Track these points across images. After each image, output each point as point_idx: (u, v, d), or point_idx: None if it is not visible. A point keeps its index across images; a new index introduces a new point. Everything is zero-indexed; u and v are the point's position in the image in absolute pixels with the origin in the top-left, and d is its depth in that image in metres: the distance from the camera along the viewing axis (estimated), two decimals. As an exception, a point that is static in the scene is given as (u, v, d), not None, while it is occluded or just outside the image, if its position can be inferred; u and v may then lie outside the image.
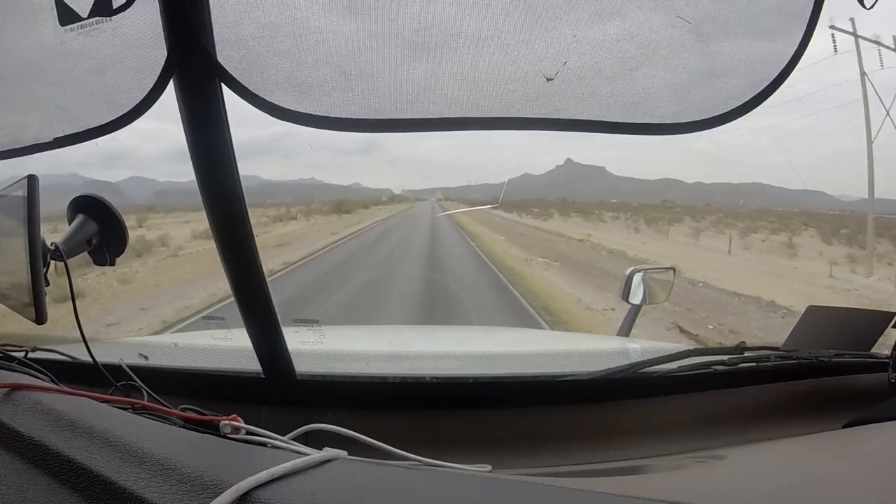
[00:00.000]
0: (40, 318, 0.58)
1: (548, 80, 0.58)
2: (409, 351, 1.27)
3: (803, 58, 0.58)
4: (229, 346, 0.98)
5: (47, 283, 0.60)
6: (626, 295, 1.44)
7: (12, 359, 0.68)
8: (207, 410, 0.61)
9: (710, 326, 6.05)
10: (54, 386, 0.59)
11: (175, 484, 0.41)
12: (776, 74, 0.58)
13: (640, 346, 1.39)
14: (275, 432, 0.58)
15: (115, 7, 0.59)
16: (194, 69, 0.59)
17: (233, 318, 0.84)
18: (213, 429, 0.57)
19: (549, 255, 11.40)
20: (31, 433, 0.48)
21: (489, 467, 0.67)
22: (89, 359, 0.70)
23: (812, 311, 1.02)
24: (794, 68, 0.58)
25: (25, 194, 0.57)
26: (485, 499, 0.45)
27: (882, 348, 0.90)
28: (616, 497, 0.45)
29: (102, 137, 0.65)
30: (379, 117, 0.60)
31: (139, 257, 10.28)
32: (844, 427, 0.78)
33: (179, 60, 0.58)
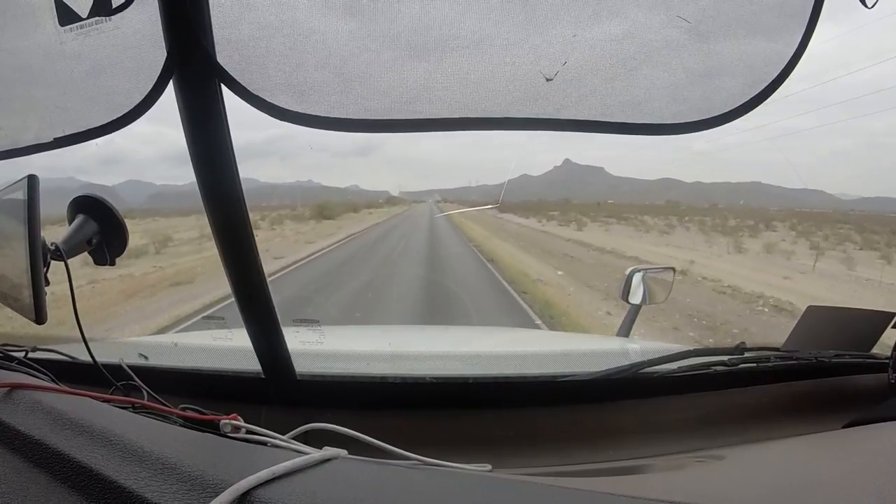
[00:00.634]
0: (40, 319, 0.58)
1: (547, 80, 0.58)
2: (409, 351, 1.27)
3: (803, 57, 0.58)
4: (229, 346, 0.99)
5: (47, 283, 0.60)
6: (625, 295, 1.44)
7: (12, 359, 0.68)
8: (207, 410, 0.61)
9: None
10: (54, 385, 0.60)
11: (175, 483, 0.41)
12: (776, 74, 0.58)
13: (640, 347, 1.39)
14: (275, 432, 0.58)
15: (114, 7, 0.59)
16: (194, 69, 0.59)
17: (233, 318, 0.84)
18: (213, 428, 0.57)
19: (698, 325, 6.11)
20: (32, 432, 0.48)
21: (489, 467, 0.67)
22: (89, 359, 0.70)
23: (812, 311, 1.02)
24: (794, 68, 0.58)
25: (26, 194, 0.57)
26: (485, 499, 0.45)
27: (882, 348, 0.90)
28: (616, 497, 0.45)
29: (101, 140, 0.66)
30: (378, 118, 0.60)
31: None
32: (844, 427, 0.78)
33: (179, 60, 0.58)
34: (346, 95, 0.60)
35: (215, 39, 0.58)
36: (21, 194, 0.58)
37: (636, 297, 1.44)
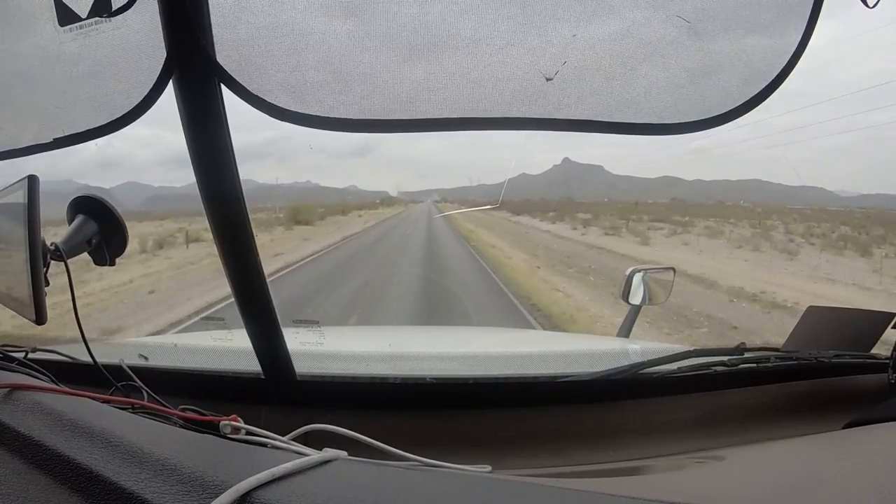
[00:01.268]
0: (40, 319, 0.58)
1: (547, 79, 0.58)
2: (409, 352, 1.27)
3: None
4: (229, 347, 0.99)
5: (47, 284, 0.60)
6: (625, 295, 1.44)
7: (12, 359, 0.68)
8: (207, 411, 0.61)
9: None
10: (54, 386, 0.59)
11: (175, 484, 0.41)
12: (776, 73, 0.58)
13: (640, 347, 1.39)
14: (275, 433, 0.58)
15: (114, 7, 0.59)
16: (194, 69, 0.59)
17: (233, 318, 0.84)
18: (213, 429, 0.57)
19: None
20: (32, 433, 0.48)
21: (489, 468, 0.67)
22: (89, 359, 0.70)
23: (812, 311, 1.02)
24: (794, 66, 0.58)
25: (26, 195, 0.57)
26: (484, 499, 0.45)
27: (882, 348, 0.90)
28: (616, 497, 0.45)
29: (99, 142, 0.65)
30: (378, 118, 0.60)
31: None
32: (844, 427, 0.78)
33: (179, 60, 0.58)
34: (345, 95, 0.60)
35: (215, 39, 0.58)
36: (21, 195, 0.58)
37: (636, 298, 1.44)
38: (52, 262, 0.62)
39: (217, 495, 0.39)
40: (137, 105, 0.61)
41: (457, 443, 0.77)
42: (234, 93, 0.59)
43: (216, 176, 0.64)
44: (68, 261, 0.64)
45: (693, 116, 0.60)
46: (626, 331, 1.48)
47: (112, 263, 0.70)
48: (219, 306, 5.90)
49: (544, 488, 0.48)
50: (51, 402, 0.53)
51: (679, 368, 0.84)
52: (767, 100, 0.59)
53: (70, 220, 0.68)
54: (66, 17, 0.60)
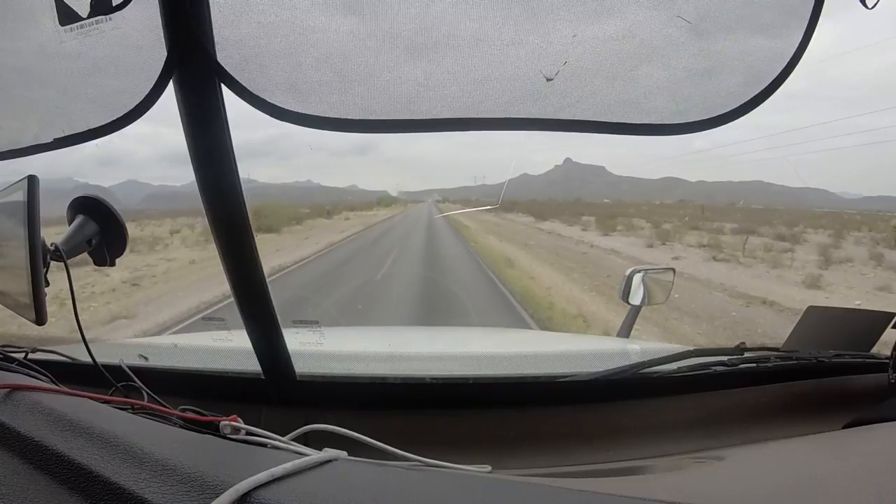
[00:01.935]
0: (40, 319, 0.58)
1: (548, 79, 0.58)
2: (409, 352, 1.27)
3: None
4: (229, 347, 0.98)
5: (47, 284, 0.60)
6: (625, 295, 1.44)
7: (12, 360, 0.68)
8: (207, 411, 0.61)
9: None
10: (54, 387, 0.59)
11: (175, 484, 0.41)
12: (777, 73, 0.58)
13: (640, 347, 1.38)
14: (275, 433, 0.58)
15: (114, 6, 0.59)
16: (194, 69, 0.59)
17: (233, 318, 0.84)
18: (212, 429, 0.57)
19: None
20: (31, 434, 0.48)
21: (489, 468, 0.67)
22: (89, 360, 0.70)
23: (812, 311, 1.02)
24: (794, 67, 0.58)
25: (25, 195, 0.57)
26: (484, 499, 0.45)
27: (882, 348, 0.90)
28: (616, 497, 0.45)
29: (100, 141, 0.65)
30: (378, 118, 0.60)
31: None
32: (844, 427, 0.78)
33: (180, 60, 0.58)
34: (345, 95, 0.60)
35: (215, 39, 0.58)
36: (21, 195, 0.58)
37: (636, 298, 1.44)
38: (52, 262, 0.62)
39: (217, 495, 0.39)
40: (138, 105, 0.61)
41: (457, 443, 0.77)
42: (235, 92, 0.59)
43: (217, 175, 0.63)
44: (68, 261, 0.64)
45: (694, 117, 0.60)
46: (626, 331, 1.48)
47: (112, 263, 0.70)
48: (218, 306, 5.90)
49: (544, 488, 0.48)
50: (50, 403, 0.52)
51: (679, 368, 0.84)
52: (768, 100, 0.59)
53: (70, 221, 0.68)
54: (67, 16, 0.60)
